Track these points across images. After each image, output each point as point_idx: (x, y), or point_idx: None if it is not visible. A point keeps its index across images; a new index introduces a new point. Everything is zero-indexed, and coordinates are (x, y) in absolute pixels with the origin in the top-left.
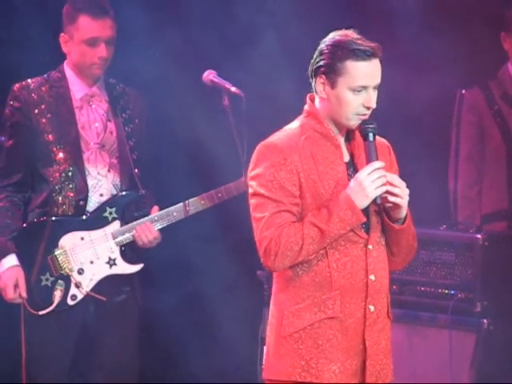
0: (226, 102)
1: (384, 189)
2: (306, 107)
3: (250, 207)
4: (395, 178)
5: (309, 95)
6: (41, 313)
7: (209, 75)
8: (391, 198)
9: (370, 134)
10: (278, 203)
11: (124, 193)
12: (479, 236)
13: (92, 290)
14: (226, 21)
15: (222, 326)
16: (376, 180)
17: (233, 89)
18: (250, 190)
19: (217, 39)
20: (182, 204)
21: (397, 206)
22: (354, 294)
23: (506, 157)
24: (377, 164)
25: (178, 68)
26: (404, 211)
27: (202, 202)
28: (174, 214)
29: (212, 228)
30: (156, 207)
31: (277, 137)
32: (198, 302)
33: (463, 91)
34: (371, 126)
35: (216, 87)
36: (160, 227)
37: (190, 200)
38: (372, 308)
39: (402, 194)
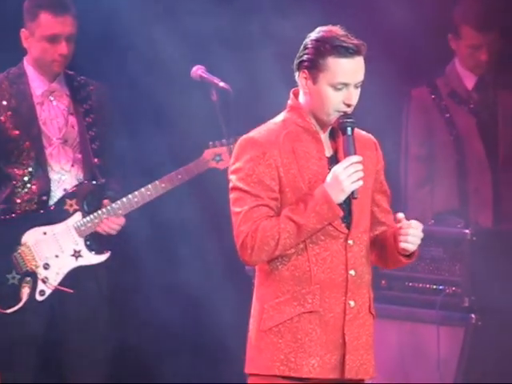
0: (214, 96)
1: (360, 183)
2: (289, 102)
3: (230, 201)
4: (414, 225)
5: (293, 90)
6: (9, 311)
7: (197, 70)
8: (403, 245)
9: (348, 129)
10: (257, 197)
11: (84, 183)
12: (467, 231)
13: (59, 283)
14: (217, 16)
15: (212, 321)
16: (352, 174)
17: (221, 84)
18: (230, 184)
19: (207, 34)
20: (142, 189)
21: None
22: (333, 289)
23: (455, 155)
24: (354, 158)
25: (168, 61)
26: (413, 248)
27: (163, 185)
28: (135, 199)
29: (202, 225)
30: (107, 200)
31: (258, 131)
32: (187, 299)
33: (411, 90)
34: (349, 120)
35: (204, 82)
36: (123, 213)
37: (150, 184)
38: (352, 303)
39: (413, 241)
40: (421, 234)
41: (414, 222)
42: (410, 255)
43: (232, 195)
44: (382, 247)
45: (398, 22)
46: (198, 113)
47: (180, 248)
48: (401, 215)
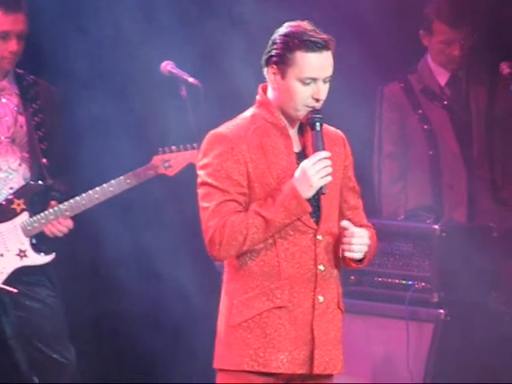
0: (183, 92)
1: (329, 179)
2: (257, 97)
3: (198, 197)
4: (358, 234)
5: (261, 85)
6: None
7: (166, 66)
8: (347, 254)
9: (317, 124)
10: (225, 193)
11: (31, 183)
12: (436, 227)
13: (4, 282)
14: (185, 12)
15: (178, 316)
16: (321, 170)
17: (190, 79)
18: (199, 180)
19: (176, 28)
20: (90, 192)
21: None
22: (302, 284)
23: (429, 152)
24: (322, 154)
25: (136, 58)
26: (359, 256)
27: (111, 188)
28: (83, 202)
29: (172, 218)
30: (54, 202)
31: (226, 126)
32: (153, 295)
33: (383, 87)
34: (318, 115)
35: (174, 77)
36: (71, 215)
37: (98, 188)
38: (321, 298)
39: (358, 250)
40: (366, 242)
41: (356, 231)
42: (360, 260)
43: (200, 190)
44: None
45: (370, 18)
46: (166, 108)
47: (150, 240)
48: (345, 223)
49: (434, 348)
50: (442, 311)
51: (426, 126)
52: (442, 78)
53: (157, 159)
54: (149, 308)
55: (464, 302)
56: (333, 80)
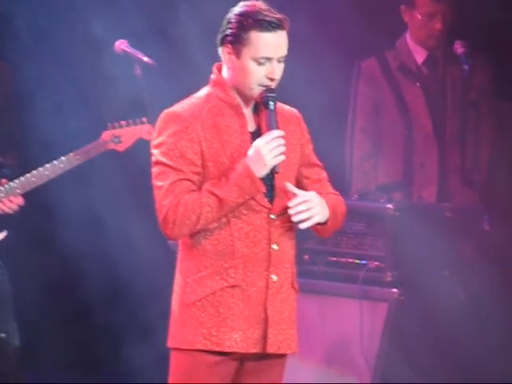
0: (137, 71)
1: (282, 158)
2: (212, 76)
3: (152, 175)
4: (296, 201)
5: (216, 65)
6: None
7: (120, 44)
8: (294, 219)
9: (271, 103)
10: (179, 172)
11: None
12: (390, 206)
13: None
14: None
15: (133, 295)
16: (274, 149)
17: (145, 58)
18: (153, 159)
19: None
20: (40, 169)
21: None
22: (256, 263)
23: (402, 129)
24: (275, 133)
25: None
26: (323, 217)
27: (61, 165)
28: (33, 179)
29: (127, 200)
30: (4, 180)
31: (180, 105)
32: (106, 274)
33: (360, 62)
34: (272, 94)
35: (128, 56)
36: (21, 193)
37: (48, 165)
38: (275, 277)
39: (310, 214)
40: (313, 205)
41: (300, 193)
42: (324, 222)
43: (154, 169)
44: None
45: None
46: (121, 87)
47: (105, 221)
48: (286, 185)
49: (387, 327)
50: (395, 290)
51: (400, 103)
52: (420, 56)
53: (106, 135)
54: (104, 285)
55: (417, 282)
56: (313, 55)
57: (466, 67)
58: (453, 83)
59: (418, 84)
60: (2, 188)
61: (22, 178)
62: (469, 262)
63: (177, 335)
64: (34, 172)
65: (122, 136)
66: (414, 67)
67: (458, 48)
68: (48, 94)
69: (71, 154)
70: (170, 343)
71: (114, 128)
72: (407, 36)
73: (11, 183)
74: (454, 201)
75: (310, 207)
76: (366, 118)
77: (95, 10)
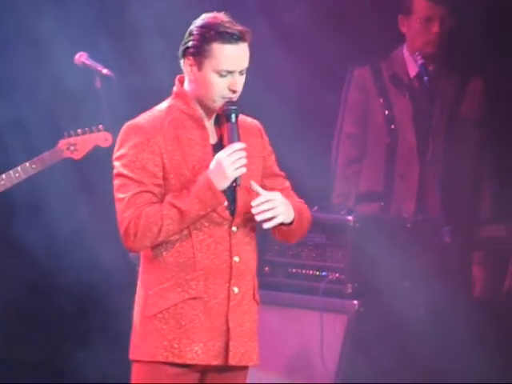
0: (97, 83)
1: (243, 170)
2: (174, 88)
3: (114, 188)
4: (259, 200)
5: (178, 77)
6: None
7: (80, 57)
8: (258, 218)
9: (232, 115)
10: (140, 184)
11: None
12: (350, 218)
13: None
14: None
15: (97, 307)
16: (235, 161)
17: (104, 71)
18: (114, 171)
19: (90, 20)
20: None
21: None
22: (217, 275)
23: (387, 138)
24: (237, 145)
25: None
26: (288, 217)
27: (17, 174)
28: None
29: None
30: None
31: (142, 117)
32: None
33: (353, 69)
34: (233, 107)
35: (88, 69)
36: None
37: (4, 175)
38: (236, 289)
39: (274, 213)
40: (277, 204)
41: (264, 193)
42: (289, 223)
43: (116, 181)
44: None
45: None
46: (81, 99)
47: (65, 232)
48: (252, 184)
49: (347, 339)
50: (355, 302)
51: (387, 113)
52: (413, 69)
53: (62, 143)
54: (68, 295)
55: (378, 293)
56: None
57: (425, 78)
58: (442, 100)
59: (407, 96)
60: None
61: None
62: (429, 274)
63: (138, 347)
64: None
65: (77, 144)
66: (405, 79)
67: (418, 59)
68: (7, 104)
69: (27, 164)
70: (131, 355)
71: (69, 136)
72: (404, 48)
73: None
74: (432, 215)
75: (274, 206)
76: (353, 123)
77: (55, 22)
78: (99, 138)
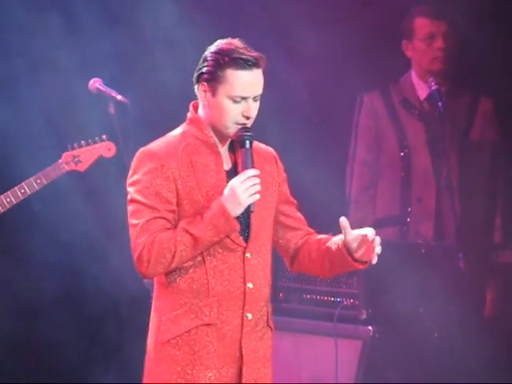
0: (111, 109)
1: (257, 197)
2: (188, 115)
3: (128, 214)
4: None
5: (192, 103)
6: None
7: (94, 83)
8: (374, 260)
9: (247, 142)
10: (154, 210)
11: None
12: None
13: None
14: (117, 28)
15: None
16: (249, 188)
17: (118, 97)
18: (128, 197)
19: (106, 46)
20: (1, 196)
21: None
22: (231, 302)
23: (400, 163)
24: (251, 172)
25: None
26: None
27: (22, 190)
28: None
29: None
30: None
31: (156, 144)
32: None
33: (363, 95)
34: (248, 133)
35: (102, 95)
36: None
37: (9, 191)
38: (250, 316)
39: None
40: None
41: (370, 232)
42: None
43: (130, 207)
44: (324, 256)
45: (357, 30)
46: (96, 126)
47: (80, 258)
48: (343, 220)
49: (362, 364)
50: (370, 328)
51: (400, 137)
52: (423, 92)
53: (66, 156)
54: (81, 320)
55: (392, 319)
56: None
57: (439, 104)
58: (453, 122)
59: (418, 119)
60: None
61: None
62: (443, 299)
63: (152, 373)
64: None
65: (81, 156)
66: (416, 103)
67: (433, 85)
68: (21, 127)
69: (31, 179)
70: (145, 381)
71: (73, 149)
72: (412, 72)
73: None
74: (451, 237)
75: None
76: (366, 149)
77: (69, 49)
78: (102, 148)
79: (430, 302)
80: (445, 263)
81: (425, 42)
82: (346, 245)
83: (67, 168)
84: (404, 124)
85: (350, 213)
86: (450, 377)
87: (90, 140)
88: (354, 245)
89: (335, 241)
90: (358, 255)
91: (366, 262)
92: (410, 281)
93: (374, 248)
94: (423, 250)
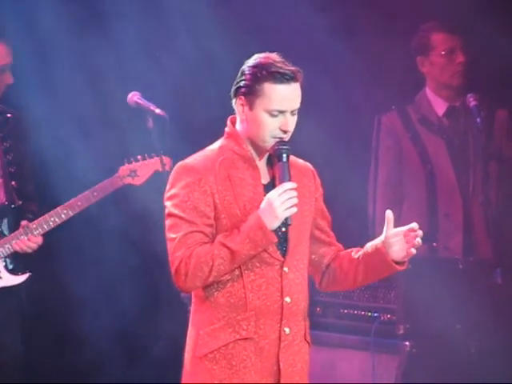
0: (150, 123)
1: (294, 210)
2: (226, 129)
3: (165, 228)
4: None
5: (230, 117)
6: None
7: (133, 97)
8: (413, 249)
9: (284, 155)
10: (191, 224)
11: (2, 206)
12: None
13: None
14: (153, 40)
15: (147, 347)
16: (286, 201)
17: (157, 110)
18: (166, 211)
19: (144, 60)
20: (58, 208)
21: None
22: (268, 316)
23: (424, 180)
24: (288, 185)
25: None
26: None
27: (79, 203)
28: (52, 219)
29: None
30: (25, 221)
31: (193, 158)
32: (122, 325)
33: (381, 116)
34: (285, 147)
35: (140, 108)
36: (41, 233)
37: (66, 204)
38: (287, 330)
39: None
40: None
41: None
42: (403, 262)
43: (167, 221)
44: (358, 263)
45: (371, 50)
46: (134, 139)
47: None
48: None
49: (399, 380)
50: (407, 343)
51: (422, 155)
52: (440, 108)
53: (123, 169)
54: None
55: (429, 334)
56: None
57: (478, 120)
58: (474, 134)
59: (439, 135)
60: (22, 230)
61: (40, 219)
62: (481, 315)
63: None
64: (52, 212)
65: (138, 170)
66: (435, 119)
67: (471, 101)
68: (59, 144)
69: (87, 192)
70: None
71: (129, 163)
72: (426, 89)
73: (30, 225)
74: (480, 251)
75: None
76: (388, 170)
77: (109, 62)
78: (158, 162)
79: (467, 317)
80: (482, 279)
81: (445, 57)
82: (385, 241)
83: (124, 181)
84: (424, 141)
85: (375, 235)
86: None
87: (146, 155)
88: (394, 239)
89: (373, 242)
90: (395, 249)
91: (403, 263)
92: (447, 296)
93: (414, 239)
94: (460, 266)
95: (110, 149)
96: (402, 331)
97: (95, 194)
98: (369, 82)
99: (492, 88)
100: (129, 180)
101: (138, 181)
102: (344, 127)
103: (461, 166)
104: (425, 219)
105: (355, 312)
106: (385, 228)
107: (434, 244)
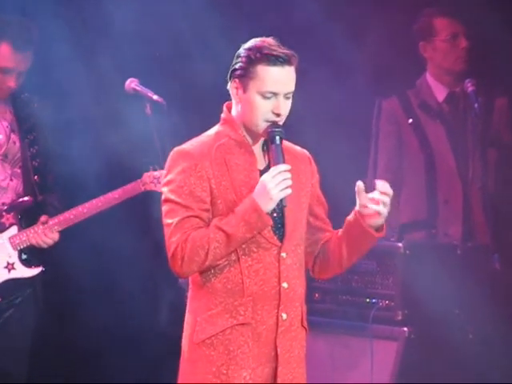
0: (148, 110)
1: (288, 191)
2: (222, 115)
3: (162, 213)
4: (387, 186)
5: (226, 103)
6: None
7: (131, 83)
8: (374, 206)
9: (277, 137)
10: (188, 209)
11: (21, 199)
12: (400, 245)
13: None
14: (153, 30)
15: (146, 333)
16: (280, 182)
17: (155, 97)
18: (162, 196)
19: (143, 49)
20: (78, 207)
21: (377, 215)
22: (266, 301)
23: (424, 166)
24: (282, 167)
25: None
26: (383, 219)
27: (99, 204)
28: (71, 216)
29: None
30: (44, 217)
31: (190, 143)
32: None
33: (381, 101)
34: (277, 129)
35: (138, 95)
36: (58, 230)
37: (87, 202)
38: (284, 316)
39: (388, 203)
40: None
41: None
42: (379, 229)
43: (164, 207)
44: (341, 239)
45: (371, 33)
46: (132, 126)
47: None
48: (359, 184)
49: (398, 365)
50: (405, 329)
51: (422, 141)
52: (440, 94)
53: (147, 176)
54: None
55: (428, 320)
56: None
57: (476, 105)
58: (472, 120)
59: (439, 121)
60: (40, 225)
61: (60, 216)
62: (479, 301)
63: (187, 373)
64: (72, 210)
65: (161, 177)
66: (434, 104)
67: (469, 86)
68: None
69: (109, 194)
70: (180, 381)
71: (154, 170)
72: (427, 74)
73: (50, 221)
74: (478, 237)
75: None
76: (388, 156)
77: (106, 48)
78: None
79: (465, 303)
80: (480, 264)
81: (448, 42)
82: (360, 209)
83: (146, 188)
84: (424, 127)
85: None
86: (485, 378)
87: None
88: (368, 206)
89: (351, 215)
90: (367, 212)
91: (381, 230)
92: (445, 282)
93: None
94: (459, 251)
95: (107, 137)
96: (400, 317)
97: (116, 196)
98: (369, 68)
99: (492, 75)
100: (151, 187)
101: (160, 188)
102: (344, 113)
103: (460, 153)
104: (424, 205)
105: (353, 298)
106: (357, 197)
107: (433, 230)
